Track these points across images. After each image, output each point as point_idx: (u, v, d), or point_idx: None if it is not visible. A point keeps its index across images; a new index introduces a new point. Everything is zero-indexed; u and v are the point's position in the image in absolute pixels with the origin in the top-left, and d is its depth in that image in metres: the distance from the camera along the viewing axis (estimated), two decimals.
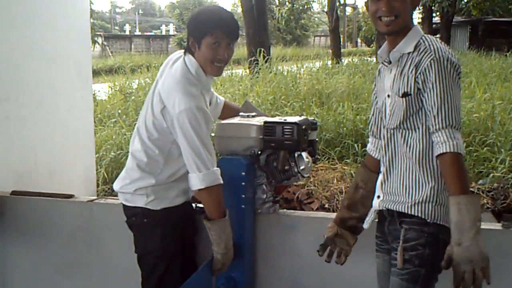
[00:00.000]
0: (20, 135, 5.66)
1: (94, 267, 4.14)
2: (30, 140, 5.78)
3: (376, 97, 3.01)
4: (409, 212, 2.72)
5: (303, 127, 3.54)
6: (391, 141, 2.81)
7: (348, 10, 53.72)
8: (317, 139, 3.75)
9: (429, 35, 2.77)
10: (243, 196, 3.51)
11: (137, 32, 66.16)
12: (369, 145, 3.13)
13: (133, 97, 10.72)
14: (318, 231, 3.64)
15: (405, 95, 2.70)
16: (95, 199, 4.05)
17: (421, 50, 2.69)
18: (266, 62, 12.35)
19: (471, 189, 5.85)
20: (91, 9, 8.91)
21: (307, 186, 6.02)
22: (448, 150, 2.55)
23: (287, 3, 40.26)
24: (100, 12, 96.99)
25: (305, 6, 42.58)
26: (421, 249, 2.69)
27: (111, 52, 40.73)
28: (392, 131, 2.80)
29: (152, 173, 3.32)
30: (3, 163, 5.49)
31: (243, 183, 3.50)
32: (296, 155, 3.57)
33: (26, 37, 5.71)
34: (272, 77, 10.92)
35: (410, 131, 2.74)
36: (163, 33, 55.44)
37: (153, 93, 3.32)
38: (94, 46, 13.23)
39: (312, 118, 3.75)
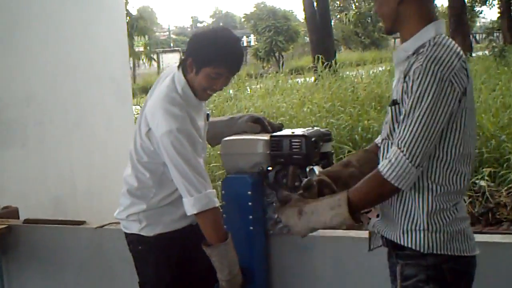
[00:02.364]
0: (56, 158, 5.61)
1: None
2: (66, 163, 5.73)
3: None
4: (399, 243, 2.36)
5: (313, 139, 3.27)
6: (383, 154, 2.43)
7: None
8: (333, 151, 3.47)
9: (444, 38, 2.31)
10: (251, 217, 3.28)
11: None
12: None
13: None
14: (336, 250, 3.40)
15: (393, 103, 2.34)
16: (105, 225, 3.90)
17: (418, 54, 2.28)
18: (328, 68, 12.07)
19: None
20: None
21: None
22: (379, 167, 2.25)
23: (353, 7, 39.85)
24: (182, 28, 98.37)
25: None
26: (422, 285, 2.32)
27: None
28: (384, 142, 2.43)
29: (143, 198, 3.14)
30: (40, 187, 5.46)
31: (249, 203, 3.27)
32: (308, 169, 3.30)
33: (61, 58, 5.68)
34: (332, 83, 10.65)
35: None
36: (244, 44, 55.71)
37: (141, 114, 3.14)
38: (150, 63, 13.24)
39: (325, 128, 3.48)
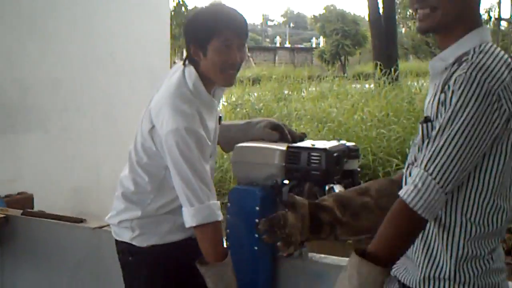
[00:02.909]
0: (80, 148, 5.37)
1: None
2: (92, 154, 5.47)
3: None
4: None
5: (335, 154, 2.87)
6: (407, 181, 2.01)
7: (504, 24, 50.93)
8: (359, 169, 3.06)
9: (492, 46, 1.89)
10: (257, 235, 2.88)
11: (287, 45, 66.89)
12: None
13: (237, 109, 10.34)
14: None
15: (425, 121, 1.91)
16: (104, 226, 3.58)
17: (461, 62, 1.86)
18: (387, 75, 11.57)
19: None
20: None
21: None
22: (401, 194, 1.82)
23: None
24: (252, 25, 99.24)
25: None
26: None
27: (255, 63, 41.36)
28: (410, 167, 2.02)
29: (139, 204, 2.80)
30: (60, 176, 5.23)
31: (256, 220, 2.86)
32: (327, 188, 2.90)
33: (94, 46, 5.43)
34: (389, 92, 10.18)
35: None
36: (314, 46, 55.66)
37: (145, 110, 2.80)
38: None
39: (353, 143, 3.07)
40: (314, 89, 13.46)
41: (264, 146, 2.99)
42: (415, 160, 1.94)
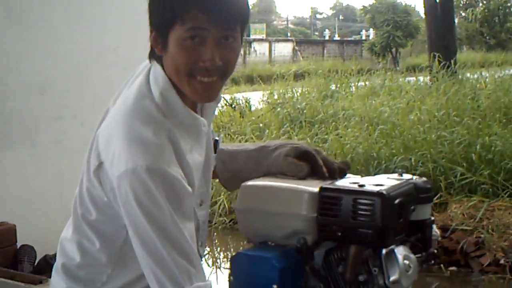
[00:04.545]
0: (77, 165, 4.43)
1: None
2: None
3: None
4: None
5: (397, 200, 1.82)
6: None
7: None
8: (433, 218, 2.01)
9: None
10: None
11: (336, 38, 66.40)
12: None
13: (278, 109, 9.35)
14: None
15: None
16: None
17: None
18: (446, 68, 10.48)
19: None
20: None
21: (477, 232, 5.30)
22: None
23: (480, 3, 37.36)
24: (301, 18, 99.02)
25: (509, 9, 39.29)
26: None
27: (302, 57, 40.88)
28: None
29: (88, 284, 1.80)
30: (54, 197, 4.42)
31: None
32: (383, 252, 1.85)
33: (93, 41, 4.59)
34: (448, 87, 9.12)
35: None
36: (363, 38, 54.81)
37: (93, 137, 1.80)
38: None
39: (423, 179, 2.00)
40: (363, 84, 12.47)
41: (285, 186, 1.94)
42: None
